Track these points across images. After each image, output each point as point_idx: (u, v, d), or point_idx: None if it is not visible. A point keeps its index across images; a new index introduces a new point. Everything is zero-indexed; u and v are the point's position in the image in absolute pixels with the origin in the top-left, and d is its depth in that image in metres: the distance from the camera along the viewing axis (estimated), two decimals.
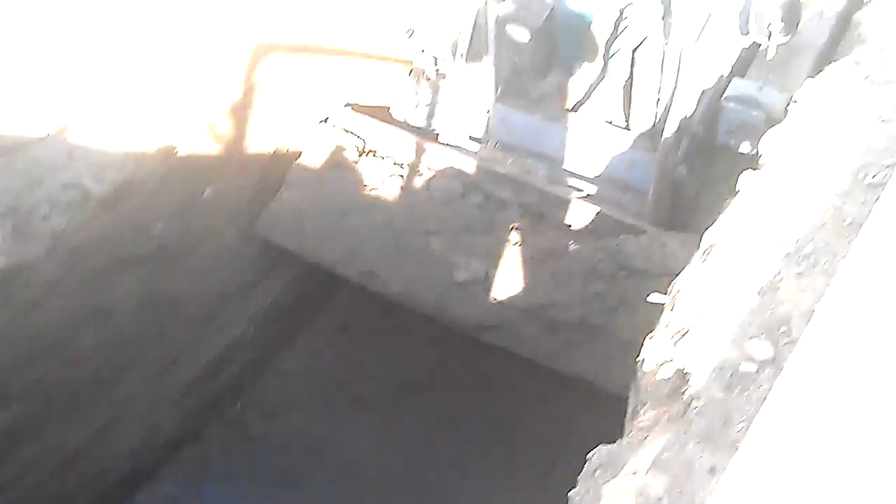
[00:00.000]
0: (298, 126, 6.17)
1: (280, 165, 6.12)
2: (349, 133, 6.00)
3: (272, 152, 6.09)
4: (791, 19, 4.79)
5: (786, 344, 3.12)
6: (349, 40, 6.25)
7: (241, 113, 5.65)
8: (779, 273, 3.39)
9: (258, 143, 5.92)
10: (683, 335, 3.32)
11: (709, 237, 3.72)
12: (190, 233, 5.64)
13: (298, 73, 5.96)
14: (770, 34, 4.79)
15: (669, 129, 5.14)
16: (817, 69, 4.97)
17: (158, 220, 5.37)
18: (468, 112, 5.92)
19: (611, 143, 5.61)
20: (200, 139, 5.43)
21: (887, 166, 3.67)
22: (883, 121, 3.92)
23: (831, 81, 4.25)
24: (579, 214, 5.45)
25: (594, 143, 5.65)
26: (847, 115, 4.00)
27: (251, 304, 6.57)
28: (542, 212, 5.54)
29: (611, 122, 5.70)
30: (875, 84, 4.11)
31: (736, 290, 3.38)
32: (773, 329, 3.20)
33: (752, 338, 3.19)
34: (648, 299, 3.79)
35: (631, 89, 5.51)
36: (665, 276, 4.67)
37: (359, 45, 6.36)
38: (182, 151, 5.33)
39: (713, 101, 5.23)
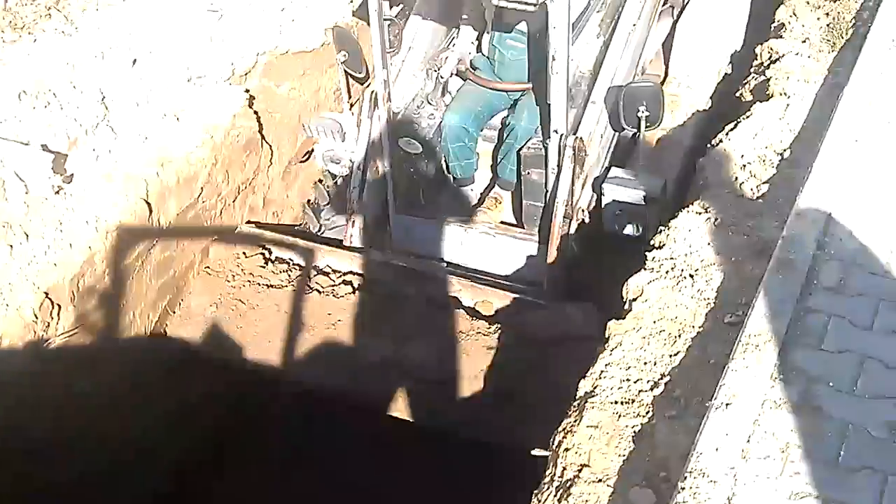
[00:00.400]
0: (174, 308, 6.13)
1: (157, 353, 6.02)
2: (254, 243, 6.15)
3: (148, 338, 5.99)
4: (655, 111, 5.32)
5: (667, 488, 3.18)
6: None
7: (112, 301, 5.58)
8: (652, 417, 3.48)
9: (132, 330, 5.83)
10: (568, 489, 3.35)
11: (583, 385, 3.80)
12: (64, 430, 5.44)
13: (170, 253, 5.97)
14: (640, 125, 5.33)
15: (558, 221, 5.53)
16: (684, 163, 5.88)
17: (30, 419, 5.18)
18: (369, 222, 6.18)
19: (506, 242, 5.94)
20: (71, 332, 5.32)
21: (742, 304, 3.85)
22: (734, 261, 4.14)
23: (685, 226, 4.47)
24: (482, 300, 5.63)
25: (491, 243, 5.96)
26: (702, 257, 4.22)
27: (130, 493, 6.31)
28: (446, 301, 5.67)
29: (504, 223, 6.09)
30: (722, 227, 4.36)
31: (614, 437, 3.44)
32: (653, 474, 3.27)
33: (634, 485, 3.24)
34: (532, 453, 3.83)
35: (521, 188, 5.86)
36: (567, 342, 5.14)
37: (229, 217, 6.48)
38: (53, 345, 5.21)
39: (596, 189, 5.65)
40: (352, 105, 6.11)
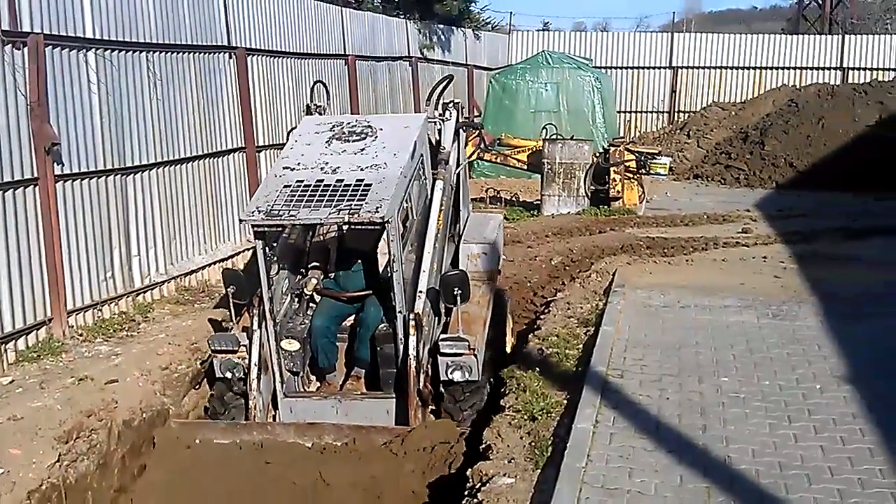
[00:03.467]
0: None
1: None
2: (183, 431, 7.69)
3: None
4: (466, 291, 7.51)
5: None
6: None
7: None
8: None
9: None
10: None
11: None
12: None
13: None
14: (457, 301, 7.47)
15: (412, 376, 7.50)
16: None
17: None
18: (266, 406, 7.94)
19: (372, 403, 7.95)
20: None
21: None
22: None
23: None
24: (365, 440, 7.40)
25: (360, 407, 7.93)
26: None
27: None
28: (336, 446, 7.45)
29: (365, 392, 8.15)
30: None
31: None
32: None
33: None
34: None
35: (377, 361, 7.95)
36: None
37: None
38: None
39: (434, 349, 7.71)
40: (238, 325, 8.01)
